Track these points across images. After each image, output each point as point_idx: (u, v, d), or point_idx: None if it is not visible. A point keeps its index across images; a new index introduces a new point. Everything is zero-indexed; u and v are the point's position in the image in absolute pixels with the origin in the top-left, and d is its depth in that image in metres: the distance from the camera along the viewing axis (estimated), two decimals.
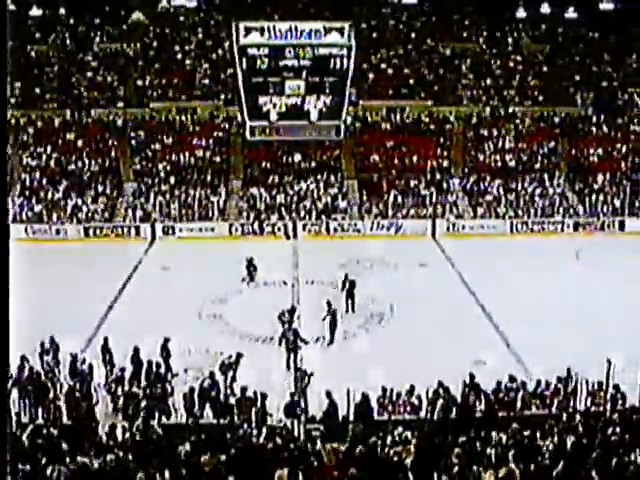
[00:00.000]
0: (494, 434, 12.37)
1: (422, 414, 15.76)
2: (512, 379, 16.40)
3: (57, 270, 27.30)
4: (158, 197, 35.98)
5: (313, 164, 38.26)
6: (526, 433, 12.39)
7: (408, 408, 15.99)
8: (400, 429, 12.70)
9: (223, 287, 26.06)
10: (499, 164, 38.81)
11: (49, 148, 38.02)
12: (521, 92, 43.02)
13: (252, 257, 26.94)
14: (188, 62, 43.74)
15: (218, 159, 38.64)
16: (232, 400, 16.05)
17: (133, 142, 38.81)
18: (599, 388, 15.96)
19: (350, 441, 12.05)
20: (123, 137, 38.93)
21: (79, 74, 42.71)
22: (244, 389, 15.85)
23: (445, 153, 39.15)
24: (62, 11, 44.42)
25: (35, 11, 37.66)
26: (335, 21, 26.37)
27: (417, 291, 25.38)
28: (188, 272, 27.28)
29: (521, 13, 40.49)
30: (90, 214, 34.99)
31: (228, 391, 16.89)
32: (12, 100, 38.89)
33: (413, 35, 46.20)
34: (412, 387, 16.11)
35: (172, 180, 36.95)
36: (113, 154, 38.28)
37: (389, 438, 12.36)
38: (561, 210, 36.11)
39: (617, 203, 36.30)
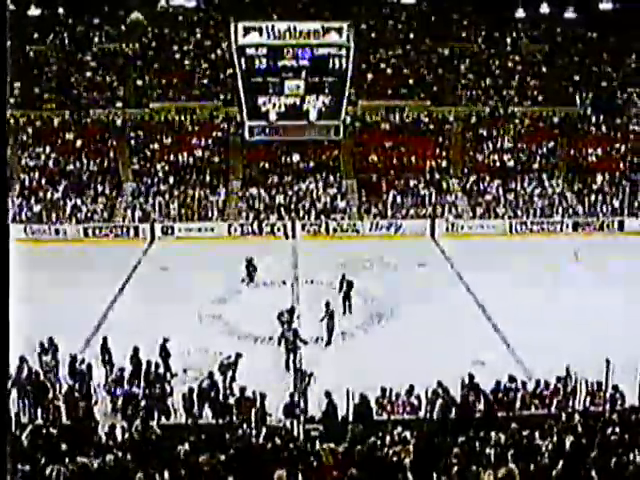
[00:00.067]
0: (493, 434, 12.36)
1: (421, 414, 15.77)
2: (512, 379, 16.41)
3: (56, 270, 27.25)
4: (157, 197, 35.98)
5: (312, 164, 38.26)
6: (525, 433, 12.40)
7: (407, 408, 15.99)
8: (399, 429, 12.70)
9: (222, 287, 26.07)
10: (498, 164, 38.83)
11: (48, 148, 38.02)
12: (520, 92, 43.02)
13: (252, 257, 26.94)
14: (187, 62, 43.73)
15: (217, 159, 38.64)
16: (231, 400, 16.05)
17: (132, 142, 38.79)
18: (598, 388, 15.96)
19: (349, 441, 12.05)
20: (122, 137, 38.91)
21: (78, 74, 42.70)
22: (243, 389, 15.86)
23: (444, 153, 39.16)
24: (61, 11, 44.40)
25: (34, 11, 37.62)
26: (334, 21, 26.41)
27: (416, 291, 25.37)
28: (187, 272, 27.27)
29: (520, 13, 40.46)
30: (89, 214, 34.99)
31: (227, 391, 16.89)
32: (11, 100, 38.86)
33: (412, 35, 46.19)
34: (411, 387, 16.12)
35: (171, 180, 36.96)
36: (112, 154, 38.27)
37: (388, 438, 12.36)
38: (560, 210, 36.12)
39: (616, 203, 36.33)
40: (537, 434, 12.53)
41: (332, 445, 11.23)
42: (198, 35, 45.48)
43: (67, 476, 10.04)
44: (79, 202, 35.44)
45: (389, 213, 35.71)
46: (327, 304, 21.40)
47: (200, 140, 38.95)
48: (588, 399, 16.14)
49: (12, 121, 38.28)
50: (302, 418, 15.17)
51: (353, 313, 23.60)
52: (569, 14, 38.75)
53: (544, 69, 44.57)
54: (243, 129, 27.13)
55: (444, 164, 38.71)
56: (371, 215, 35.61)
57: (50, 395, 16.29)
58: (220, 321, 23.36)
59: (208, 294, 25.28)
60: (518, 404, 16.00)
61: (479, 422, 14.10)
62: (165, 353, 18.47)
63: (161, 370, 17.60)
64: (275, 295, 25.02)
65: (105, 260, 29.61)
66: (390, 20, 47.08)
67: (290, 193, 36.53)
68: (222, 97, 40.94)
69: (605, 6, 35.05)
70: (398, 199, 36.24)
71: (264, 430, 13.62)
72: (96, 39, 44.80)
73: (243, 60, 25.07)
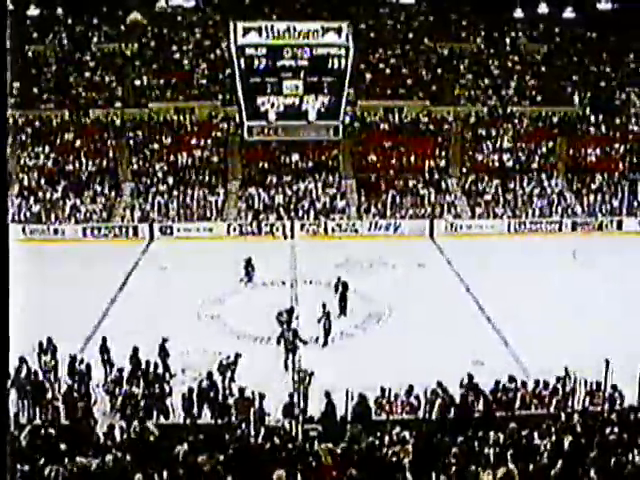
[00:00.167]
0: (492, 434, 12.37)
1: (420, 414, 15.77)
2: (511, 379, 16.41)
3: (55, 270, 27.26)
4: (156, 197, 35.97)
5: (311, 164, 38.26)
6: (524, 433, 12.41)
7: (406, 408, 15.99)
8: (398, 429, 12.70)
9: (221, 287, 26.07)
10: (497, 164, 38.83)
11: (47, 148, 37.99)
12: (519, 92, 43.01)
13: (251, 257, 26.94)
14: (186, 62, 43.70)
15: (216, 159, 38.63)
16: (230, 400, 16.05)
17: (131, 142, 38.77)
18: (597, 388, 15.97)
19: (348, 441, 12.05)
20: (121, 137, 38.89)
21: (77, 74, 42.66)
22: (242, 389, 15.85)
23: (443, 153, 39.15)
24: (60, 11, 44.37)
25: (33, 11, 37.61)
26: (333, 21, 26.31)
27: (415, 291, 25.40)
28: (186, 272, 27.27)
29: (519, 13, 40.46)
30: (88, 214, 34.98)
31: (226, 391, 16.89)
32: (10, 100, 38.80)
33: (411, 35, 46.18)
34: (410, 387, 16.11)
35: (170, 180, 36.95)
36: (111, 154, 38.25)
37: (387, 438, 12.37)
38: (559, 210, 36.15)
39: (615, 203, 36.35)
40: (536, 434, 12.54)
41: (330, 445, 11.24)
42: (197, 35, 45.45)
43: (66, 476, 10.04)
44: (78, 202, 35.43)
45: (388, 213, 35.72)
46: (324, 305, 21.39)
47: (199, 140, 38.93)
48: (587, 399, 16.14)
49: (11, 121, 38.25)
50: (301, 418, 15.17)
51: (353, 313, 23.57)
52: (568, 14, 38.71)
53: (543, 69, 44.57)
54: (242, 129, 27.00)
55: (443, 164, 38.71)
56: (370, 215, 35.62)
57: (49, 395, 16.30)
58: (219, 321, 23.36)
59: (207, 294, 25.29)
60: (518, 404, 16.00)
61: (478, 422, 14.10)
62: (164, 353, 18.46)
63: (160, 370, 17.60)
64: (274, 295, 25.02)
65: (104, 260, 29.61)
66: (389, 20, 47.07)
67: (289, 193, 36.53)
68: (221, 97, 40.91)
69: (604, 6, 35.03)
70: (397, 199, 36.25)
71: (263, 430, 13.63)
72: (95, 39, 44.74)
73: (242, 60, 24.99)
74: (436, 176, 37.87)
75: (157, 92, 41.76)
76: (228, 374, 17.70)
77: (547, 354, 18.42)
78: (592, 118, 41.23)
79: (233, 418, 15.29)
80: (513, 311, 22.80)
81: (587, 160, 39.19)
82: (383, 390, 16.08)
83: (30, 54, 43.51)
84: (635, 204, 36.28)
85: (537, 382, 16.51)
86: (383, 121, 40.43)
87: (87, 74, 42.70)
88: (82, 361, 17.56)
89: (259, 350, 20.68)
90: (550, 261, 28.83)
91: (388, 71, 43.64)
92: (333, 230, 34.64)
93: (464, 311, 23.78)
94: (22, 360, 16.73)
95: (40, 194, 35.74)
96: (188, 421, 15.63)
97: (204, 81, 42.43)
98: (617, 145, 39.41)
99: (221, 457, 10.95)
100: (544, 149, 39.44)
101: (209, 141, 39.01)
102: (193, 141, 38.91)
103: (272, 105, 25.83)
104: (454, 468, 10.50)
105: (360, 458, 10.98)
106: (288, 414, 15.24)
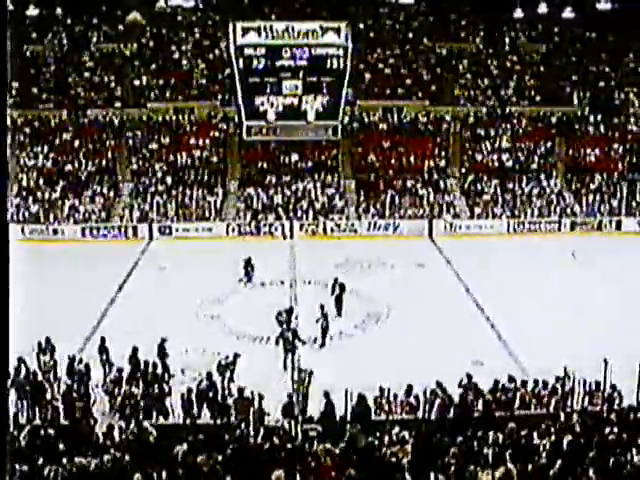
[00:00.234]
0: (491, 434, 12.37)
1: (420, 414, 15.77)
2: (511, 379, 16.42)
3: (54, 270, 27.23)
4: (155, 197, 35.95)
5: (310, 164, 38.26)
6: (523, 433, 12.40)
7: (406, 408, 15.99)
8: (397, 429, 12.70)
9: (220, 287, 26.06)
10: (496, 164, 38.83)
11: (46, 148, 37.98)
12: (518, 92, 43.02)
13: (250, 257, 26.93)
14: (185, 62, 43.70)
15: (215, 159, 38.62)
16: (229, 400, 16.05)
17: (130, 142, 38.76)
18: (596, 388, 15.98)
19: (347, 442, 12.05)
20: (120, 137, 38.87)
21: (76, 74, 42.64)
22: (241, 389, 15.84)
23: (442, 153, 39.15)
24: (59, 11, 44.34)
25: (32, 11, 37.60)
26: (332, 21, 26.35)
27: (414, 291, 25.40)
28: (185, 272, 27.27)
29: (518, 13, 40.48)
30: (87, 214, 34.96)
31: (225, 391, 16.88)
32: (9, 100, 38.78)
33: (410, 35, 46.16)
34: (409, 387, 16.11)
35: (169, 180, 36.94)
36: (110, 154, 38.21)
37: (386, 438, 12.37)
38: (558, 210, 36.16)
39: (614, 203, 36.37)
40: (535, 434, 12.54)
41: (329, 446, 11.23)
42: (196, 35, 45.43)
43: (65, 476, 10.04)
44: (77, 202, 35.42)
45: (387, 213, 35.72)
46: (322, 306, 21.38)
47: (198, 140, 38.92)
48: (586, 399, 16.15)
49: (9, 121, 38.22)
50: (300, 418, 15.17)
51: (352, 313, 23.52)
52: (567, 14, 38.73)
53: (542, 69, 44.57)
54: (241, 129, 27.01)
55: (442, 164, 38.71)
56: (369, 215, 35.62)
57: (48, 395, 16.29)
58: (218, 321, 23.35)
59: (206, 294, 25.28)
60: (517, 403, 16.01)
61: (477, 422, 14.10)
62: (163, 353, 18.45)
63: (159, 370, 17.59)
64: (273, 295, 25.02)
65: (103, 260, 29.61)
66: (388, 20, 47.08)
67: (288, 193, 36.53)
68: (220, 97, 40.89)
69: (603, 6, 35.05)
70: (396, 199, 36.25)
71: (262, 430, 13.62)
72: (94, 39, 44.72)
73: (241, 60, 25.01)
74: (435, 176, 37.88)
75: (156, 92, 41.74)
76: (227, 374, 17.69)
77: (546, 354, 18.43)
78: (591, 118, 41.24)
79: (232, 418, 15.29)
80: (512, 311, 22.80)
81: (586, 160, 39.19)
82: (382, 390, 16.08)
83: (29, 54, 43.47)
84: (634, 204, 36.31)
85: (536, 382, 16.52)
86: (382, 121, 40.43)
87: (86, 74, 42.68)
88: (81, 361, 17.55)
89: (258, 350, 20.67)
90: (549, 261, 28.85)
91: (387, 71, 43.63)
92: (332, 230, 34.64)
93: (463, 311, 23.78)
94: (21, 360, 16.73)
95: (39, 194, 35.72)
96: (187, 421, 15.62)
97: (203, 81, 42.43)
98: (616, 145, 39.42)
99: (220, 457, 10.95)
100: (543, 149, 39.45)
101: (208, 141, 39.00)
102: (192, 141, 38.90)
103: (271, 105, 25.83)
104: (453, 468, 10.50)
105: (359, 458, 10.98)
106: (287, 414, 15.24)
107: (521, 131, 40.23)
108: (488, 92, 42.98)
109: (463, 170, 38.58)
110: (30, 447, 11.58)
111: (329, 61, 25.30)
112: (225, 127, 39.49)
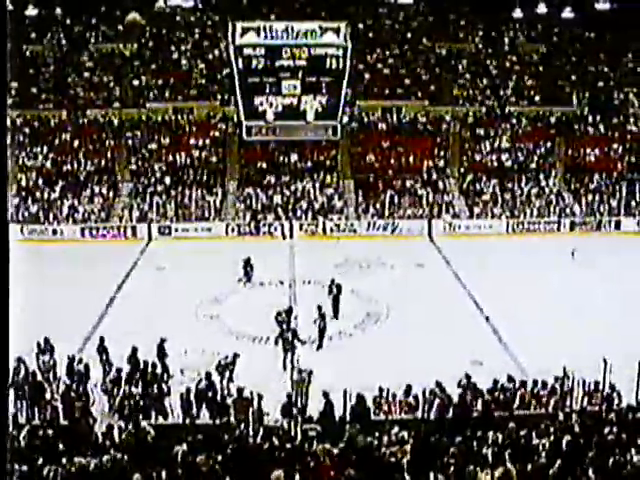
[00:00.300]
0: (490, 434, 12.37)
1: (419, 414, 15.77)
2: (510, 379, 16.42)
3: (53, 270, 27.21)
4: (154, 197, 35.94)
5: (309, 164, 38.26)
6: (523, 433, 12.40)
7: (405, 408, 15.99)
8: (396, 429, 12.70)
9: (220, 287, 26.06)
10: (495, 164, 38.84)
11: (45, 148, 37.97)
12: (517, 92, 43.04)
13: (249, 257, 26.93)
14: (184, 62, 43.70)
15: (214, 159, 38.62)
16: (229, 400, 16.04)
17: (129, 142, 38.76)
18: (595, 388, 15.98)
19: (347, 442, 12.05)
20: (119, 137, 38.87)
21: (75, 74, 42.64)
22: (241, 389, 15.84)
23: (441, 153, 39.16)
24: (58, 11, 44.35)
25: (31, 11, 37.59)
26: (331, 21, 26.35)
27: (414, 291, 25.41)
28: (185, 272, 27.27)
29: (517, 13, 40.51)
30: (86, 214, 34.96)
31: (225, 391, 16.88)
32: (8, 100, 38.77)
33: (409, 35, 46.18)
34: (409, 387, 16.10)
35: (168, 180, 36.93)
36: (109, 154, 38.21)
37: (386, 438, 12.37)
38: (557, 210, 36.17)
39: (613, 203, 36.38)
40: (534, 434, 12.54)
41: (327, 446, 11.23)
42: (196, 35, 45.44)
43: (64, 476, 10.04)
44: (76, 202, 35.42)
45: (386, 213, 35.72)
46: (319, 308, 21.37)
47: (197, 140, 38.93)
48: (585, 399, 16.14)
49: (9, 121, 38.17)
50: (299, 418, 15.17)
51: (351, 313, 23.54)
52: (566, 14, 38.75)
53: (541, 69, 44.59)
54: (240, 129, 27.02)
55: (441, 164, 38.73)
56: (368, 215, 35.62)
57: (47, 395, 16.28)
58: (218, 321, 23.35)
59: (205, 294, 25.28)
60: (517, 403, 16.01)
61: (476, 422, 14.11)
62: (162, 353, 18.45)
63: (159, 370, 17.59)
64: (272, 295, 25.03)
65: (102, 260, 29.60)
66: (387, 20, 47.09)
67: (287, 193, 36.53)
68: (219, 97, 40.91)
69: (602, 6, 35.07)
70: (395, 199, 36.26)
71: (261, 430, 13.61)
72: (93, 39, 44.73)
73: (240, 60, 25.00)
74: (434, 176, 37.89)
75: (155, 92, 41.74)
76: (227, 374, 17.69)
77: (545, 354, 18.45)
78: (590, 118, 41.26)
79: (232, 418, 15.27)
80: (511, 311, 22.80)
81: (585, 160, 39.21)
82: (381, 390, 16.07)
83: (28, 54, 43.46)
84: (633, 204, 36.32)
85: (535, 382, 16.51)
86: (381, 121, 40.44)
87: (85, 74, 42.69)
88: (81, 361, 17.55)
89: (258, 350, 20.68)
90: (548, 261, 28.87)
91: (386, 71, 43.64)
92: (331, 230, 34.64)
93: (462, 311, 23.79)
94: (20, 360, 16.72)
95: (38, 194, 35.72)
96: (187, 421, 15.61)
97: (202, 81, 42.43)
98: (615, 145, 39.44)
99: (219, 457, 10.95)
100: (542, 149, 39.46)
101: (207, 141, 39.00)
102: (191, 141, 38.90)
103: (270, 105, 25.82)
104: (452, 468, 10.50)
105: (358, 458, 10.98)
106: (286, 414, 15.24)
107: (520, 131, 40.25)
108: (487, 92, 43.00)
109: (462, 170, 38.59)
110: (29, 447, 11.57)
111: (328, 61, 25.30)
112: (224, 127, 39.49)
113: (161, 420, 15.80)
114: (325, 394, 15.00)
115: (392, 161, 38.61)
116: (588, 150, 39.31)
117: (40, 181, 36.55)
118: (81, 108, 40.55)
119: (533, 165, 38.88)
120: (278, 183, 37.08)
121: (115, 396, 16.49)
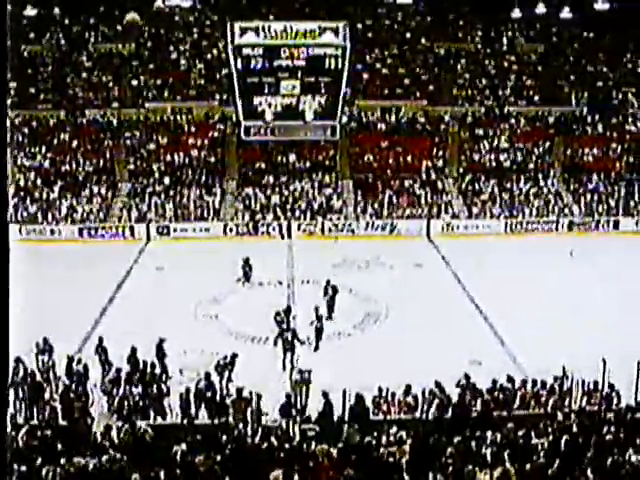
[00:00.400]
0: (489, 434, 12.37)
1: (418, 414, 15.77)
2: (510, 379, 16.42)
3: (52, 271, 27.19)
4: (153, 197, 35.94)
5: (308, 164, 38.26)
6: (521, 433, 12.40)
7: (404, 408, 15.99)
8: (395, 429, 12.70)
9: (218, 287, 26.05)
10: (494, 164, 38.87)
11: (44, 148, 37.96)
12: (516, 92, 43.05)
13: (248, 257, 26.92)
14: (183, 62, 43.69)
15: (213, 159, 38.61)
16: (228, 400, 16.03)
17: (128, 142, 38.75)
18: (594, 387, 15.99)
19: (345, 442, 12.05)
20: (118, 137, 38.86)
21: (74, 74, 42.63)
22: (240, 389, 15.83)
23: (440, 153, 39.18)
24: (57, 11, 44.34)
25: (30, 11, 37.57)
26: (330, 21, 26.32)
27: (412, 291, 25.42)
28: (183, 272, 27.26)
29: (516, 13, 40.50)
30: (85, 214, 34.95)
31: (224, 391, 16.88)
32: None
33: (408, 35, 46.18)
34: (408, 387, 16.10)
35: (167, 180, 36.93)
36: (108, 154, 38.19)
37: (384, 438, 12.37)
38: (556, 209, 36.19)
39: (612, 203, 36.40)
40: (533, 434, 12.54)
41: (326, 446, 11.22)
42: (194, 35, 45.44)
43: (63, 476, 10.02)
44: (75, 202, 35.40)
45: (385, 213, 35.73)
46: (316, 309, 21.37)
47: (196, 140, 38.92)
48: (584, 399, 16.15)
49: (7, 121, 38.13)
50: (298, 418, 15.17)
51: (350, 313, 23.54)
52: (565, 14, 38.77)
53: (540, 69, 44.61)
54: (239, 129, 27.01)
55: (440, 164, 38.76)
56: (367, 215, 35.63)
57: (46, 395, 16.27)
58: (216, 321, 23.35)
59: (204, 294, 25.27)
60: (516, 403, 16.01)
61: (475, 422, 14.10)
62: (161, 353, 18.44)
63: (157, 370, 17.58)
64: (271, 295, 25.02)
65: (101, 260, 29.59)
66: (386, 20, 47.10)
67: (286, 193, 36.53)
68: (218, 97, 40.90)
69: (601, 6, 35.07)
70: (394, 199, 36.26)
71: (260, 430, 13.61)
72: (92, 39, 44.71)
73: (239, 60, 24.98)
74: (433, 176, 37.91)
75: (154, 92, 41.73)
76: (225, 374, 17.69)
77: (544, 354, 18.46)
78: (589, 118, 41.28)
79: (230, 418, 15.27)
80: (510, 311, 22.82)
81: (584, 160, 39.24)
82: (380, 390, 16.08)
83: (27, 54, 43.43)
84: (632, 204, 36.34)
85: (534, 382, 16.52)
86: (380, 121, 40.44)
87: (84, 74, 42.67)
88: (80, 361, 17.54)
89: (256, 350, 20.67)
90: (547, 261, 28.87)
91: (385, 71, 43.65)
92: (330, 230, 34.63)
93: (461, 311, 23.79)
94: (19, 360, 16.71)
95: (37, 194, 35.70)
96: (185, 421, 15.59)
97: (201, 81, 42.43)
98: (614, 145, 39.46)
99: (218, 457, 10.94)
100: (541, 149, 39.48)
101: (206, 141, 38.99)
102: (190, 141, 38.89)
103: (269, 105, 25.81)
104: (451, 468, 10.49)
105: (357, 458, 10.98)
106: (286, 414, 15.24)
107: (519, 131, 40.26)
108: (486, 92, 43.02)
109: (461, 170, 38.61)
110: (28, 447, 11.56)
111: (327, 61, 25.29)
112: (223, 127, 39.48)
113: (160, 420, 15.78)
114: (324, 394, 15.00)
115: (391, 161, 38.62)
116: (587, 150, 39.34)
117: (39, 181, 36.54)
118: (80, 108, 40.54)
119: (532, 165, 38.91)
120: (277, 183, 37.09)
121: (114, 396, 16.48)
